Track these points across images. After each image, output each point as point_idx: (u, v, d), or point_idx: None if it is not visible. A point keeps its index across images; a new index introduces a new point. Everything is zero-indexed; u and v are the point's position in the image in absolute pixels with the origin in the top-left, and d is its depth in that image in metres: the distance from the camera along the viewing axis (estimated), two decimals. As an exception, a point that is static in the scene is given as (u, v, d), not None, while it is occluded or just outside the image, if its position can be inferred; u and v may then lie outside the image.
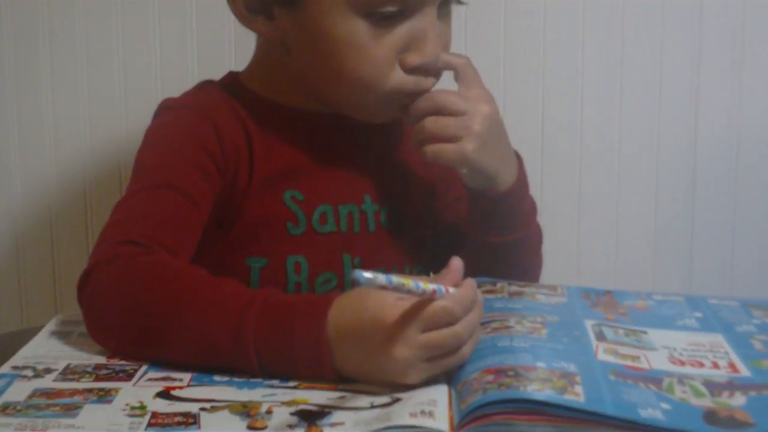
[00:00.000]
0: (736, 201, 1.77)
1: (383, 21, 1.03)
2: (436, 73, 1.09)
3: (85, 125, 1.63)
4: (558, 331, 0.89)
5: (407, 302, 0.85)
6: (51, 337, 1.00)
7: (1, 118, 1.64)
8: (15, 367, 0.89)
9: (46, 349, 0.96)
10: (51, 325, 1.03)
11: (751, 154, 1.76)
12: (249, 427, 0.75)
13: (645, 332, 0.91)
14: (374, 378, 0.86)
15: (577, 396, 0.74)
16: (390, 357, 0.84)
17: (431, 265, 1.22)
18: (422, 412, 0.75)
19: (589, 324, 0.92)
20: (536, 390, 0.74)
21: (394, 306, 0.85)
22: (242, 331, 0.88)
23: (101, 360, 0.91)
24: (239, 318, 0.88)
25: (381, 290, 0.83)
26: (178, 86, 1.21)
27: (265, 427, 0.75)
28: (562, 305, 0.98)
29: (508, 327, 0.89)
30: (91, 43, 1.62)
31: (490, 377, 0.78)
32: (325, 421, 0.76)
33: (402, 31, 1.04)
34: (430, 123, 1.05)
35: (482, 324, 0.90)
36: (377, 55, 1.05)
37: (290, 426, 0.75)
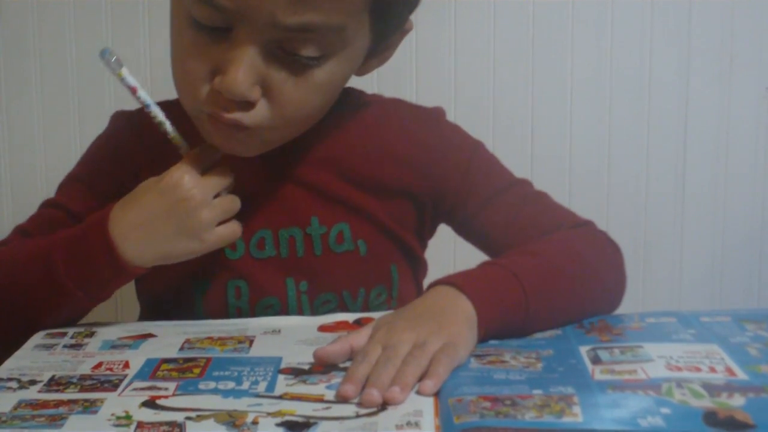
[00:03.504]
0: (725, 207, 1.78)
1: (208, 36, 0.98)
2: (241, 107, 1.00)
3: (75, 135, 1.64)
4: (553, 362, 0.88)
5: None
6: (35, 350, 0.99)
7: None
8: (-1, 379, 0.89)
9: (30, 360, 0.95)
10: (35, 338, 1.03)
11: (740, 162, 1.77)
12: (235, 438, 0.75)
13: (640, 346, 0.90)
14: (170, 252, 1.04)
15: (575, 417, 0.74)
16: (195, 220, 1.03)
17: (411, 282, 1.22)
18: (408, 423, 0.75)
19: (583, 350, 0.91)
20: (534, 417, 0.74)
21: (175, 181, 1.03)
22: (51, 259, 1.03)
23: (86, 371, 0.91)
24: (47, 254, 1.04)
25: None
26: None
27: (251, 438, 0.74)
28: (557, 337, 0.97)
29: (503, 361, 0.89)
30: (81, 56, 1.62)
31: (488, 404, 0.77)
32: (312, 431, 0.75)
33: (218, 51, 0.98)
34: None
35: (477, 356, 0.90)
36: (191, 66, 1.00)
37: (276, 437, 0.75)
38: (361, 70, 1.09)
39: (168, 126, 1.07)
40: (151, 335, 1.03)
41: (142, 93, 1.06)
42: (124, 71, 1.05)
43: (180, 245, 1.05)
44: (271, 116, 1.01)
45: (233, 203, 1.07)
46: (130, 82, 1.06)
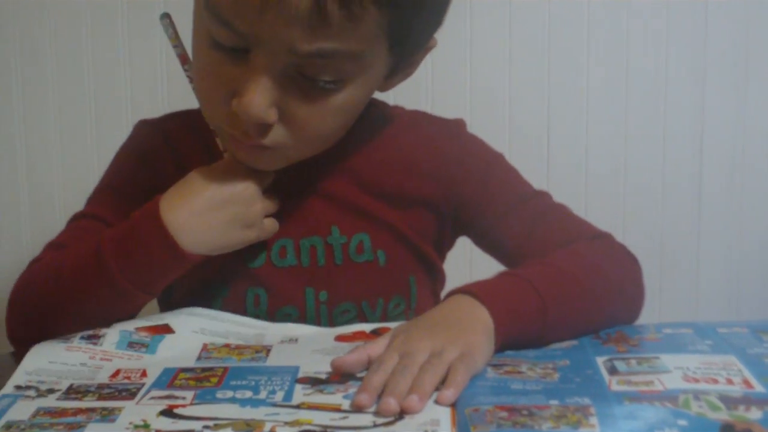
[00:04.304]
0: (742, 216, 1.78)
1: (227, 56, 0.98)
2: (259, 130, 1.01)
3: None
4: (570, 373, 0.88)
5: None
6: (52, 342, 1.01)
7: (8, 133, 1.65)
8: (18, 387, 0.89)
9: (48, 359, 0.96)
10: None
11: (757, 169, 1.77)
12: (253, 446, 0.75)
13: (658, 357, 0.90)
14: (227, 240, 1.07)
15: (592, 428, 0.74)
16: (252, 209, 1.07)
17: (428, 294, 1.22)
18: None
19: (600, 361, 0.91)
20: (551, 428, 0.74)
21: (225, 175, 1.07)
22: (101, 256, 1.03)
23: (104, 379, 0.91)
24: (95, 252, 1.04)
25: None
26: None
27: (268, 447, 0.74)
28: (574, 348, 0.97)
29: (520, 372, 0.89)
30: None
31: (504, 414, 0.77)
32: (329, 441, 0.75)
33: (236, 72, 0.98)
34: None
35: (494, 366, 0.90)
36: (210, 86, 1.02)
37: (294, 446, 0.74)
38: (384, 87, 1.10)
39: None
40: (167, 328, 1.04)
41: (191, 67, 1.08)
42: (179, 41, 1.08)
43: (237, 234, 1.07)
44: (289, 136, 1.02)
45: (276, 200, 1.12)
46: (181, 53, 1.08)
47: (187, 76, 1.09)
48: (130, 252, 1.04)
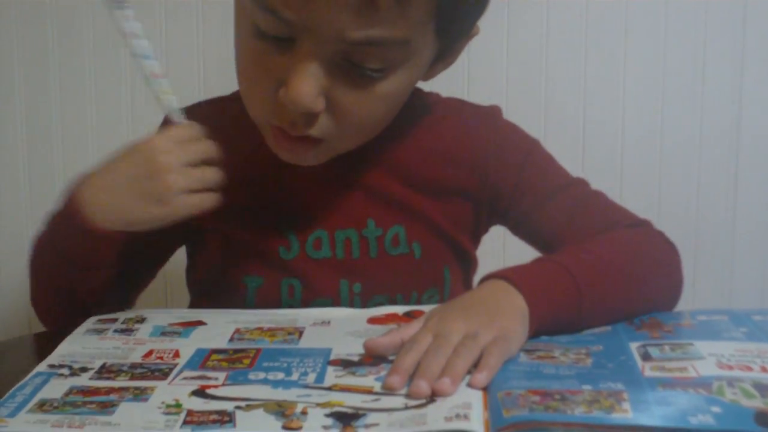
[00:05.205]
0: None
1: (272, 46, 0.97)
2: (306, 120, 0.99)
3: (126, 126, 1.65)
4: (603, 358, 0.88)
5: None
6: (86, 334, 1.01)
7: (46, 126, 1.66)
8: (51, 366, 0.90)
9: (81, 346, 0.96)
10: (87, 323, 1.05)
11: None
12: (284, 427, 0.74)
13: (691, 344, 0.90)
14: (134, 216, 1.02)
15: (624, 413, 0.74)
16: (159, 183, 1.00)
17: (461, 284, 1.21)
18: (457, 416, 0.75)
19: (633, 346, 0.91)
20: (583, 413, 0.74)
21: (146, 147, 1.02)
22: (50, 231, 1.07)
23: (137, 359, 0.92)
24: (48, 227, 1.08)
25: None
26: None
27: (300, 428, 0.74)
28: (607, 333, 0.97)
29: (552, 357, 0.89)
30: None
31: (537, 398, 0.77)
32: (360, 422, 0.75)
33: (282, 61, 0.96)
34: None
35: (526, 351, 0.90)
36: (256, 78, 1.00)
37: (325, 427, 0.74)
38: (427, 75, 1.09)
39: (158, 84, 1.07)
40: (201, 322, 1.03)
41: (139, 42, 1.05)
42: (125, 13, 1.04)
43: (142, 209, 1.01)
44: (336, 126, 1.01)
45: (210, 174, 1.03)
46: (126, 27, 1.04)
47: (132, 53, 1.06)
48: (58, 227, 1.06)
